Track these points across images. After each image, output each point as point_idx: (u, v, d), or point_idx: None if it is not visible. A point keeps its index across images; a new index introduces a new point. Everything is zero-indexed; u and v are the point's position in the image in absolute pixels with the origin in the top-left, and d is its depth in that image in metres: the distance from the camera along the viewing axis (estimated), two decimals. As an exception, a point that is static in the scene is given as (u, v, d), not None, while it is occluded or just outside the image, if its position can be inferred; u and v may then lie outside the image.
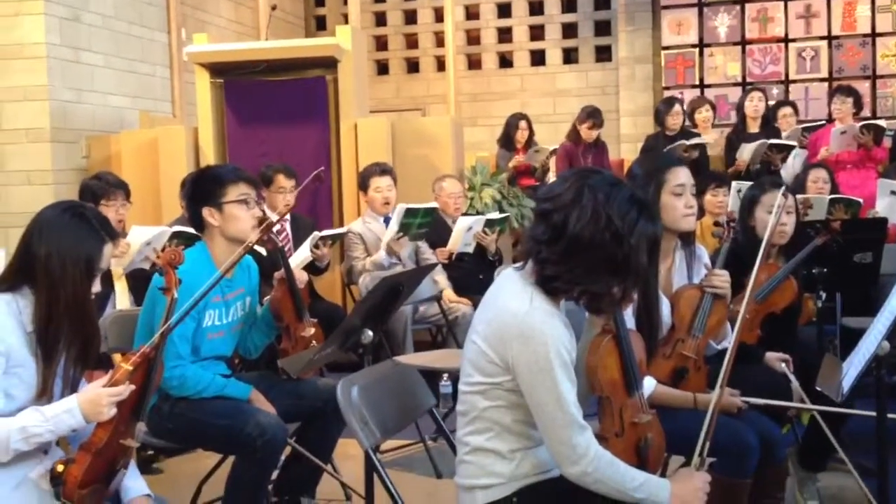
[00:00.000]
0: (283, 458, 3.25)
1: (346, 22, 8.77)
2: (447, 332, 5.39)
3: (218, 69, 6.58)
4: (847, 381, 2.57)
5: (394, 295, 3.10)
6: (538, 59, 10.41)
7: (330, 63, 6.45)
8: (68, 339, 2.29)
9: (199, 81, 6.65)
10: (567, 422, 2.10)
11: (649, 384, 2.79)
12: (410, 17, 10.82)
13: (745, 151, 6.79)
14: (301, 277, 4.36)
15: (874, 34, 9.09)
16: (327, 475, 3.50)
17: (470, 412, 2.22)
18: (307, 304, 3.70)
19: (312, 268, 5.14)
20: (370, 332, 2.96)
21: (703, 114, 7.50)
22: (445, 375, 4.64)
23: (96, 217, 2.37)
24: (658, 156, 3.06)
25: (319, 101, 6.50)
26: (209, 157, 6.51)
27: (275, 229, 5.24)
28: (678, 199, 2.93)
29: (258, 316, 3.38)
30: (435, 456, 4.13)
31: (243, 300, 3.27)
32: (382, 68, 10.96)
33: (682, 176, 2.95)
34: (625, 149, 9.54)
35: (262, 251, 4.23)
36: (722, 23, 9.48)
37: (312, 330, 3.55)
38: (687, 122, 7.42)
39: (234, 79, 6.56)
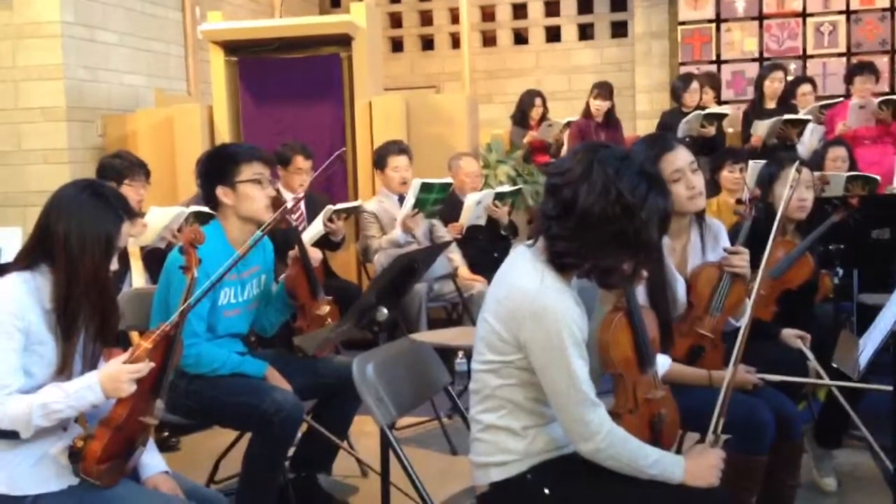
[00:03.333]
0: (299, 434, 3.28)
1: (360, -1, 8.73)
2: (462, 310, 5.40)
3: (232, 47, 6.58)
4: (864, 357, 2.56)
5: (408, 273, 3.11)
6: (553, 35, 10.35)
7: (344, 40, 6.44)
8: (87, 317, 2.31)
9: (214, 59, 6.66)
10: (579, 399, 2.11)
11: (664, 362, 2.79)
12: (425, -7, 10.77)
13: (760, 128, 6.74)
14: (315, 256, 4.37)
15: (894, 8, 8.97)
16: (343, 452, 3.53)
17: (482, 390, 2.23)
18: (322, 282, 3.70)
19: (327, 243, 5.15)
20: (385, 310, 2.98)
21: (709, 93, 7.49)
22: (461, 353, 4.66)
23: (114, 196, 2.38)
24: (653, 139, 3.01)
25: (334, 79, 6.50)
26: (224, 136, 6.53)
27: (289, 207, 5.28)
28: (678, 185, 2.85)
29: (273, 294, 3.39)
30: (450, 433, 4.15)
31: (258, 278, 3.29)
32: (397, 45, 10.93)
33: (677, 160, 2.85)
34: (641, 125, 9.48)
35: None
36: (739, -2, 9.39)
37: (328, 308, 3.56)
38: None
39: (248, 57, 6.56)
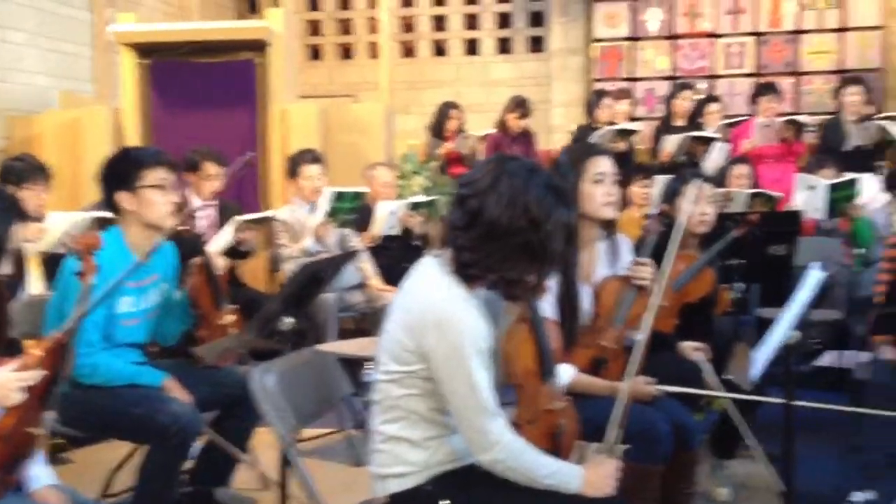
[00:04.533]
0: (199, 446, 3.21)
1: (278, 5, 8.64)
2: (372, 321, 5.37)
3: (144, 50, 6.44)
4: (756, 369, 2.64)
5: (315, 282, 3.09)
6: (472, 48, 10.42)
7: (260, 46, 6.36)
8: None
9: (124, 62, 6.50)
10: (480, 409, 2.11)
11: (568, 372, 2.82)
12: (345, 1, 10.73)
13: (669, 144, 6.89)
14: (219, 264, 4.30)
15: (799, 31, 9.28)
16: (245, 464, 3.47)
17: (384, 401, 2.21)
18: (228, 291, 3.65)
19: (235, 253, 5.07)
20: (290, 320, 2.94)
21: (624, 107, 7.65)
22: (369, 364, 4.62)
23: (3, 197, 2.30)
24: (582, 145, 3.09)
25: (248, 86, 6.41)
26: (133, 140, 6.37)
27: (199, 214, 5.18)
28: (598, 187, 2.97)
29: (174, 302, 3.32)
30: (356, 444, 4.12)
31: (159, 286, 3.21)
32: (315, 53, 10.86)
33: (602, 164, 2.99)
34: (557, 139, 9.60)
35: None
36: (653, 17, 9.59)
37: (231, 317, 3.50)
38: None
39: (160, 60, 6.43)
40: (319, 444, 4.33)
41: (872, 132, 6.65)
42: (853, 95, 6.79)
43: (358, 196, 5.50)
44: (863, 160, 6.57)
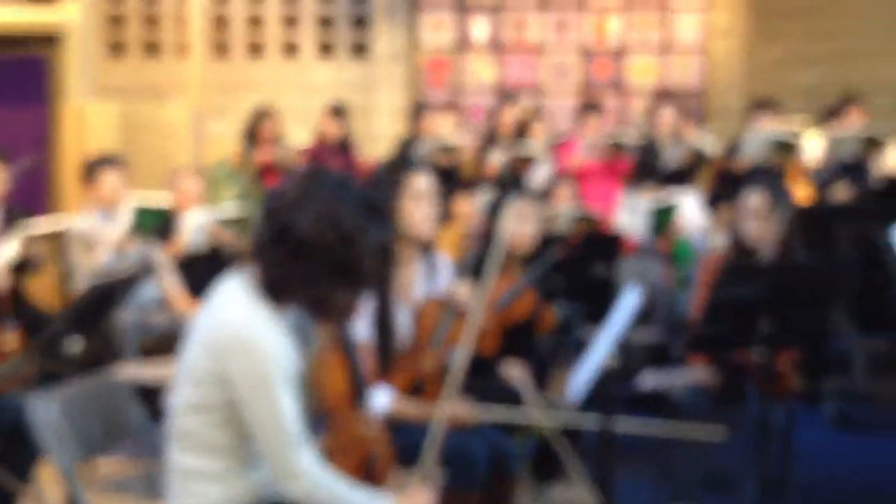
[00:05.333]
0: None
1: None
2: (175, 341, 5.20)
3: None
4: (576, 392, 2.73)
5: (109, 299, 2.96)
6: (291, 50, 10.33)
7: (53, 40, 6.07)
8: None
9: None
10: (286, 438, 2.08)
11: (386, 395, 2.83)
12: (152, -5, 10.39)
13: (496, 158, 7.06)
14: (1, 282, 4.05)
15: (624, 50, 9.74)
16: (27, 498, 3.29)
17: (181, 429, 2.15)
18: (10, 310, 3.44)
19: (21, 267, 4.79)
20: (78, 340, 2.81)
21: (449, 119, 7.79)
22: (170, 389, 4.47)
23: None
24: (402, 160, 3.13)
25: (39, 82, 6.11)
26: None
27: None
28: (417, 205, 3.00)
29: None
30: (154, 475, 3.97)
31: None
32: (118, 49, 10.45)
33: (422, 181, 3.03)
34: (379, 148, 9.63)
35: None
36: (480, 28, 9.82)
37: (12, 339, 3.30)
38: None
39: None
40: (114, 476, 4.16)
41: (685, 151, 7.06)
42: (668, 116, 7.19)
43: (162, 210, 5.33)
44: (680, 180, 6.96)
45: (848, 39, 9.81)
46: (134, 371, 4.24)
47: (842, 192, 5.92)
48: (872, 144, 7.03)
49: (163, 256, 5.52)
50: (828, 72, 9.84)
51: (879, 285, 3.33)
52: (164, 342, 5.45)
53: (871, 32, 9.83)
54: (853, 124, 7.40)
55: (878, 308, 3.46)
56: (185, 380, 2.15)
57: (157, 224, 5.32)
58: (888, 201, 4.63)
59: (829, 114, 7.68)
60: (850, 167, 6.88)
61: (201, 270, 5.71)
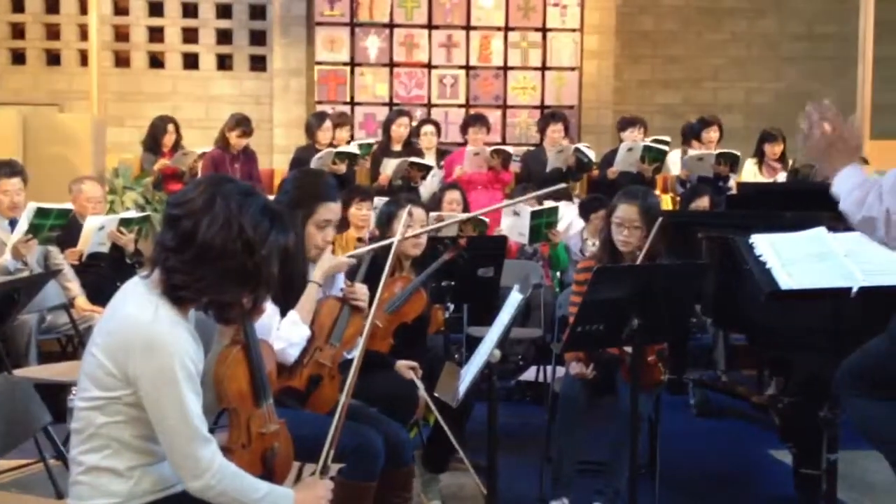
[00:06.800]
0: None
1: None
2: (78, 343, 5.04)
3: None
4: (462, 386, 2.75)
5: (8, 302, 2.84)
6: (191, 62, 10.11)
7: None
8: None
9: None
10: (191, 435, 2.04)
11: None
12: (52, 5, 10.01)
13: (388, 167, 7.07)
14: None
15: (506, 67, 9.88)
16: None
17: (86, 429, 2.08)
18: None
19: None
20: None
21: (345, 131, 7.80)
22: (74, 389, 4.32)
23: None
24: (317, 183, 3.11)
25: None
26: None
27: None
28: (320, 232, 3.02)
29: None
30: (57, 476, 3.83)
31: None
32: (18, 58, 10.04)
33: (331, 212, 3.03)
34: (277, 159, 9.53)
35: None
36: (372, 44, 9.80)
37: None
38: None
39: None
40: (17, 476, 4.00)
41: (566, 160, 7.22)
42: (555, 132, 7.35)
43: (63, 213, 5.15)
44: (561, 190, 7.10)
45: (698, 65, 10.24)
46: (36, 371, 4.10)
47: (701, 202, 6.14)
48: (726, 160, 7.36)
49: (63, 259, 5.35)
50: (684, 93, 10.24)
51: (734, 288, 3.46)
52: (67, 343, 5.28)
53: (718, 59, 10.29)
54: (710, 143, 7.75)
55: (733, 308, 3.60)
56: (90, 380, 2.08)
57: (56, 228, 5.13)
58: (743, 211, 4.82)
59: (688, 133, 8.00)
60: (709, 180, 7.19)
61: (102, 272, 5.55)
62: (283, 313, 2.90)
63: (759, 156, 7.72)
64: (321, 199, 3.01)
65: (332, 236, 3.08)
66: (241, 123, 7.23)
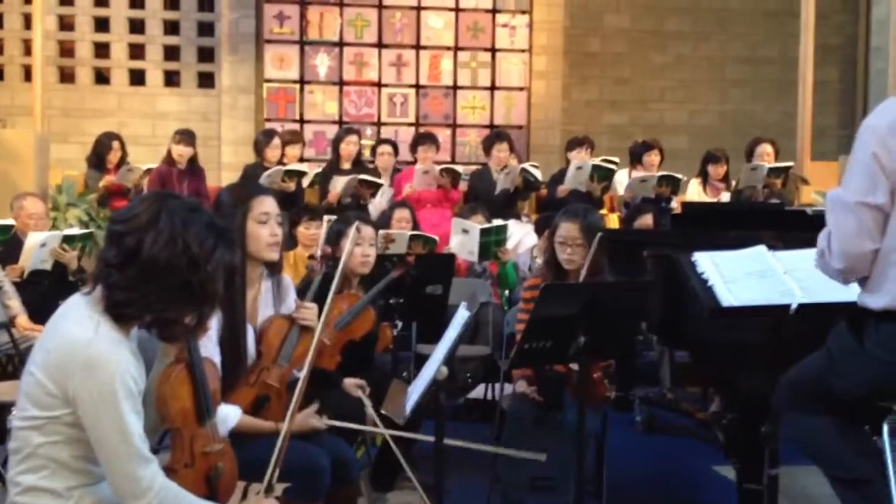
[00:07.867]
0: None
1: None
2: (19, 362, 4.93)
3: None
4: (410, 404, 2.75)
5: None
6: (138, 78, 10.00)
7: None
8: None
9: None
10: (131, 455, 2.01)
11: (234, 413, 2.76)
12: (-4, 20, 9.85)
13: (338, 185, 7.05)
14: None
15: (455, 87, 9.94)
16: None
17: (23, 449, 2.04)
18: None
19: None
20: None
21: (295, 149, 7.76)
22: (14, 409, 4.22)
23: None
24: (246, 184, 3.10)
25: None
26: None
27: None
28: (263, 227, 2.98)
29: None
30: (-5, 497, 3.74)
31: None
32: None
33: (266, 205, 3.01)
34: (225, 176, 9.45)
35: None
36: (322, 62, 9.80)
37: None
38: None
39: None
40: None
41: (513, 181, 7.27)
42: (501, 151, 7.39)
43: (4, 228, 5.05)
44: (509, 207, 7.15)
45: (644, 86, 10.42)
46: (-27, 392, 3.99)
47: (645, 220, 6.22)
48: (667, 182, 7.48)
49: (4, 277, 5.24)
50: (631, 114, 10.40)
51: (677, 307, 3.50)
52: (7, 362, 5.16)
53: (664, 81, 10.48)
54: (651, 166, 7.88)
55: (677, 326, 3.65)
56: (28, 399, 2.04)
57: (-2, 245, 5.05)
58: (686, 229, 4.89)
59: (636, 153, 8.12)
60: (652, 201, 7.29)
61: (44, 289, 5.45)
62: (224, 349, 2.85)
63: (703, 176, 7.85)
64: (252, 195, 3.02)
65: (279, 232, 3.04)
66: (182, 133, 7.24)
